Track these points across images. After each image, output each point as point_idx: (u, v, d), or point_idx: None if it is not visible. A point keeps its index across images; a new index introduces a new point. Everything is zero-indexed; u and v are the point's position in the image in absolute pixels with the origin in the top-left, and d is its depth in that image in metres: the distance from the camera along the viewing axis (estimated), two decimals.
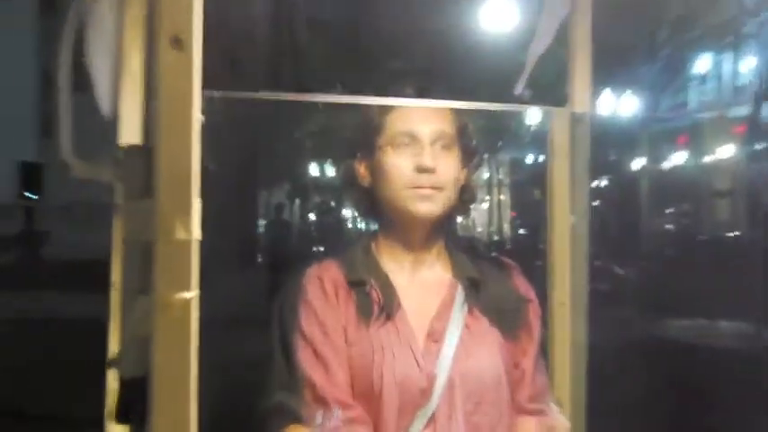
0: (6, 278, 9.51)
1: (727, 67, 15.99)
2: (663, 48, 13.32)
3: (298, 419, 1.14)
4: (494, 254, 1.45)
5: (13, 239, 13.63)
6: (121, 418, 0.86)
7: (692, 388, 4.30)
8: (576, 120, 1.36)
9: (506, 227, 22.92)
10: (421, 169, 1.21)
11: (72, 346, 4.51)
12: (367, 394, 1.16)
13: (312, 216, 21.22)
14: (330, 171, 18.40)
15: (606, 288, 7.63)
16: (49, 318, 7.30)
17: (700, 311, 7.47)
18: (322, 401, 1.14)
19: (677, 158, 16.58)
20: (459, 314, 1.22)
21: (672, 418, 4.02)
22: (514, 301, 1.27)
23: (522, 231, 19.95)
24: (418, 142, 1.23)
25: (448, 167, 1.23)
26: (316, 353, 1.17)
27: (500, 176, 22.92)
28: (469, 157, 1.30)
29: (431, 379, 1.17)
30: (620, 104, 14.65)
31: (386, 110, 1.26)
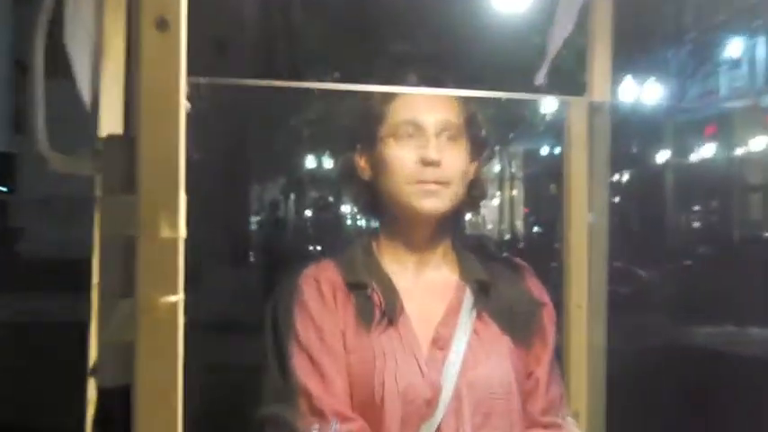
0: None
1: (760, 50, 15.96)
2: (689, 31, 13.30)
3: None
4: (505, 254, 1.45)
5: None
6: (101, 430, 0.87)
7: (718, 399, 4.30)
8: (594, 109, 1.36)
9: (519, 224, 22.95)
10: (425, 162, 1.21)
11: (50, 353, 4.51)
12: (367, 405, 1.16)
13: (308, 212, 21.28)
14: (328, 163, 18.43)
15: (626, 291, 7.64)
16: (25, 321, 7.31)
17: (728, 317, 7.48)
18: (319, 413, 1.14)
19: (705, 151, 16.58)
20: (466, 319, 1.22)
21: (696, 431, 4.02)
22: (527, 304, 1.27)
23: (536, 229, 20.00)
24: (423, 133, 1.23)
25: (455, 160, 1.23)
26: (312, 360, 1.17)
27: (512, 170, 22.95)
28: (479, 150, 1.29)
29: (436, 389, 1.17)
30: (643, 92, 14.64)
31: (388, 98, 1.26)
